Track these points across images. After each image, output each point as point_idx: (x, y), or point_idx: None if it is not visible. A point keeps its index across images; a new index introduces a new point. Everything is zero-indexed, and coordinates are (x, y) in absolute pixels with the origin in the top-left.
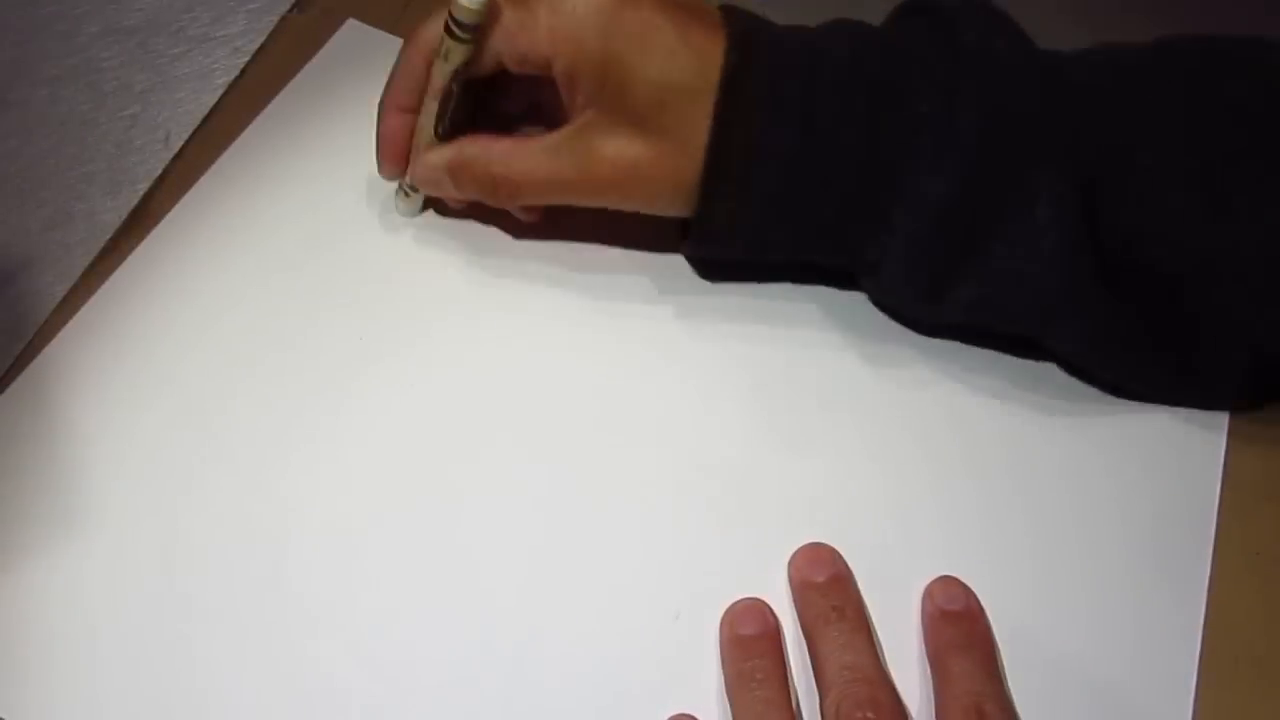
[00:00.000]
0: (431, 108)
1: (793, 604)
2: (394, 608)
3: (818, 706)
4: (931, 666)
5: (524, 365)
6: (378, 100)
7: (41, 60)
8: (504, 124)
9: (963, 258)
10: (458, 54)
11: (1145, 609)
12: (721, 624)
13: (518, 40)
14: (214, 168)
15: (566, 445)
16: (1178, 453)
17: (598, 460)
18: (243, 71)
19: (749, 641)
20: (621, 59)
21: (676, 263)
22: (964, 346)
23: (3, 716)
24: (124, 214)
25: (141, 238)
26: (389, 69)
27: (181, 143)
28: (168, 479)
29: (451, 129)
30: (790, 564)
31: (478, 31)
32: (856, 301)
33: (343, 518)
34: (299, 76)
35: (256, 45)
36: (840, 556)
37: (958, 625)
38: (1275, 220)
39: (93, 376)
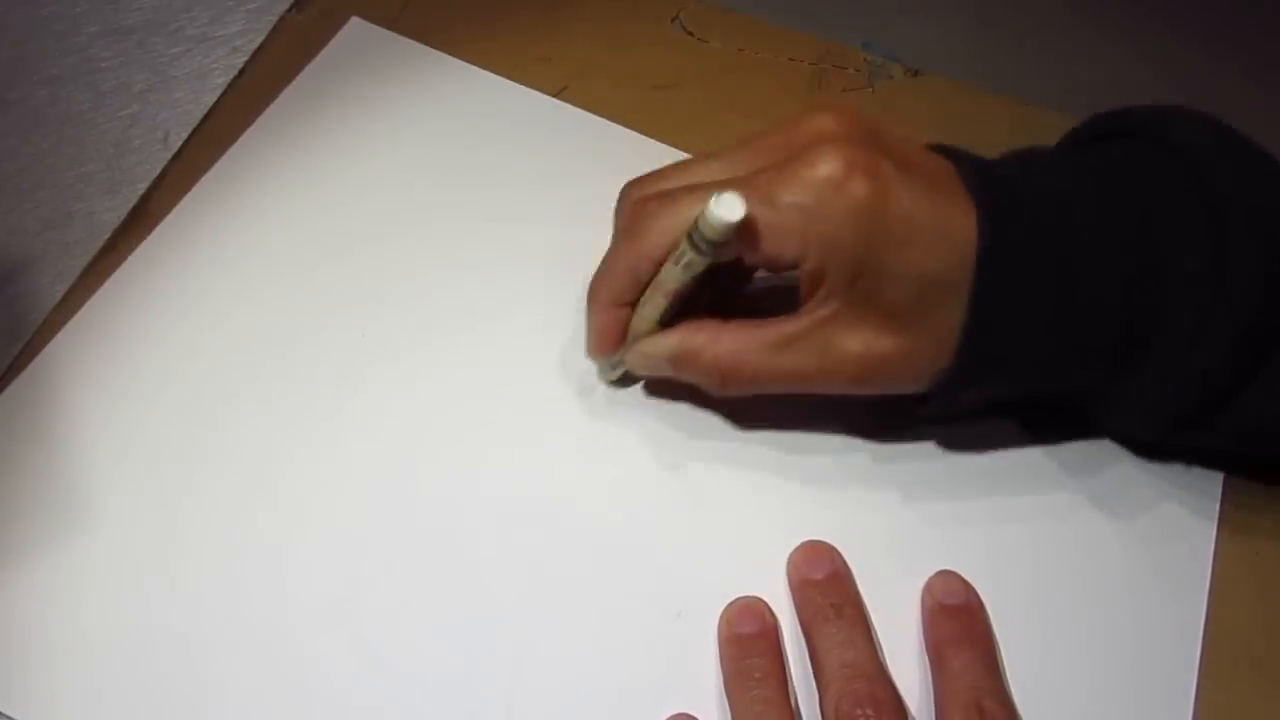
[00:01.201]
0: (658, 303)
1: (791, 602)
2: (395, 607)
3: (817, 705)
4: (931, 661)
5: (525, 363)
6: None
7: (40, 60)
8: (709, 282)
9: (1212, 414)
10: (699, 265)
11: (1145, 608)
12: (719, 622)
13: (765, 243)
14: (216, 167)
15: (568, 444)
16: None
17: (600, 459)
18: (241, 71)
19: (747, 640)
20: (879, 259)
21: None
22: None
23: (6, 713)
24: (123, 214)
25: (141, 237)
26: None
27: (180, 142)
28: (168, 478)
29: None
30: (789, 561)
31: (724, 245)
32: None
33: (343, 517)
34: (302, 74)
35: (255, 45)
36: (839, 554)
37: (957, 620)
38: None
39: (92, 376)
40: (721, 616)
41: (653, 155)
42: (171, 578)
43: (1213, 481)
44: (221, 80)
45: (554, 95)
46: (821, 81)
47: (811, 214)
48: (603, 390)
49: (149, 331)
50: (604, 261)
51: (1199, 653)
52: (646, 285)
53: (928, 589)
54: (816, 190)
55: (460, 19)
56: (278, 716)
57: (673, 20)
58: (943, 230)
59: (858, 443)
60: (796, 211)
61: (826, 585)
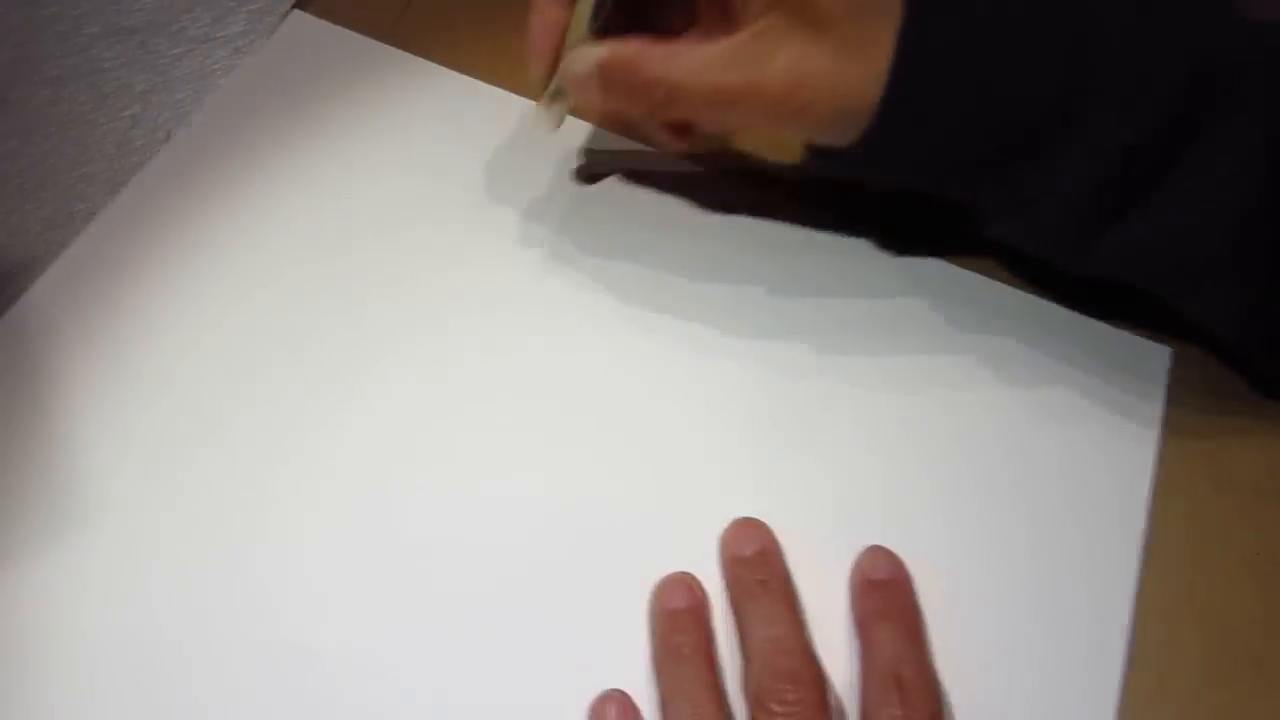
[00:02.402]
0: (586, 1)
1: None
2: (395, 607)
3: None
4: (858, 635)
5: (504, 358)
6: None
7: (42, 60)
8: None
9: (1129, 207)
10: None
11: (1075, 590)
12: (651, 598)
13: None
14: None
15: (537, 432)
16: (1108, 454)
17: (562, 444)
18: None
19: (677, 615)
20: None
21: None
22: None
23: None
24: None
25: None
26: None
27: None
28: (165, 479)
29: (606, 34)
30: (720, 540)
31: None
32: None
33: (343, 517)
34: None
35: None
36: (769, 530)
37: (883, 594)
38: None
39: (93, 377)
40: (653, 591)
41: (649, 160)
42: (170, 578)
43: (1144, 470)
44: (223, 81)
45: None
46: None
47: None
48: (602, 399)
49: (150, 331)
50: None
51: (1129, 634)
52: None
53: (857, 565)
54: None
55: (460, 19)
56: (277, 716)
57: None
58: None
59: (796, 423)
60: None
61: (754, 561)
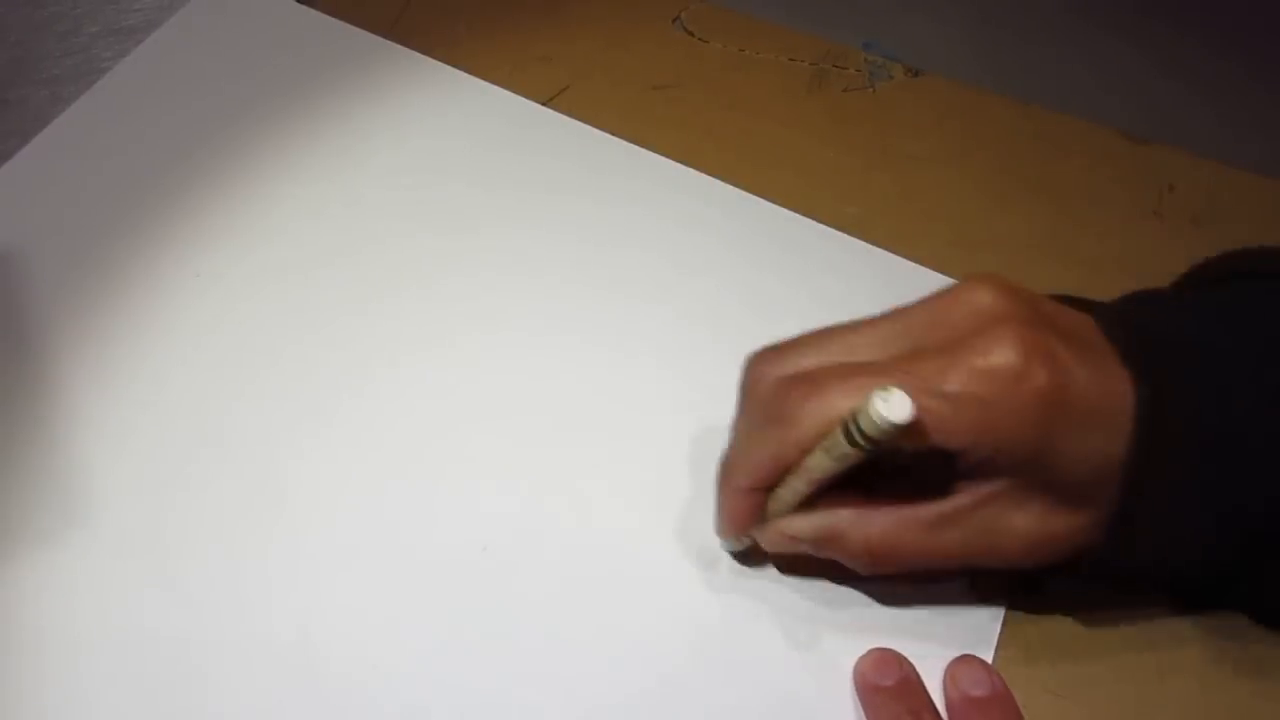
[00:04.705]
0: (799, 489)
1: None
2: (394, 610)
3: None
4: None
5: (505, 354)
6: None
7: (41, 60)
8: None
9: None
10: (852, 459)
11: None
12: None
13: (931, 436)
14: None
15: (539, 431)
16: None
17: (564, 445)
18: None
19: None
20: (1057, 445)
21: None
22: None
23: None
24: None
25: None
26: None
27: None
28: (165, 479)
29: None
30: (856, 668)
31: (884, 443)
32: None
33: (341, 518)
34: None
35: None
36: (907, 661)
37: (989, 715)
38: None
39: (92, 376)
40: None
41: (645, 163)
42: (169, 579)
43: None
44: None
45: (556, 94)
46: (822, 81)
47: (988, 407)
48: (606, 397)
49: (150, 330)
50: (740, 443)
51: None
52: (788, 471)
53: (951, 678)
54: (993, 382)
55: (461, 18)
56: (276, 716)
57: (674, 20)
58: (1117, 409)
59: None
60: (970, 404)
61: (899, 692)
